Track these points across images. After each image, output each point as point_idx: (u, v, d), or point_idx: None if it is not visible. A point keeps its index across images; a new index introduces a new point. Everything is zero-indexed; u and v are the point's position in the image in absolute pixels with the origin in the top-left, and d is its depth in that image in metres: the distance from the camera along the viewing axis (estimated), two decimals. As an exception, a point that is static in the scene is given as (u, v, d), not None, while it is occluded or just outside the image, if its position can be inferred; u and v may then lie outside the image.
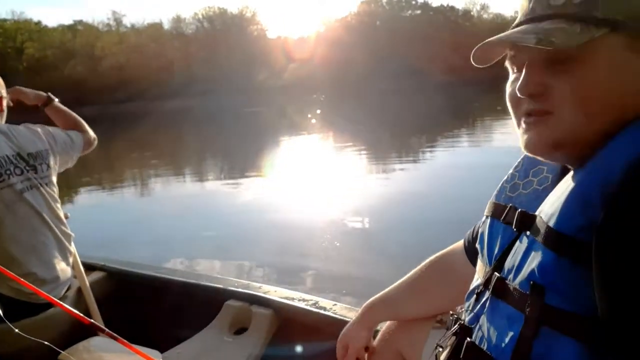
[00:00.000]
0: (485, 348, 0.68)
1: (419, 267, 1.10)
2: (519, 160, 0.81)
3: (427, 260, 1.09)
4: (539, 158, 0.70)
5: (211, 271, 4.18)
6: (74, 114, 2.09)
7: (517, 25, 0.68)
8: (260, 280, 3.59)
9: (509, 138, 11.05)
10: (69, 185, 8.60)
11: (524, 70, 0.65)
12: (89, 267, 2.11)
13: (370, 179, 8.10)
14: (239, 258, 4.54)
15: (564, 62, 0.62)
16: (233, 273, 4.12)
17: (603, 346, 0.54)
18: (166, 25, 64.56)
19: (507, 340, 0.64)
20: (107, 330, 1.14)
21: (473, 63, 0.73)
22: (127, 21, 65.37)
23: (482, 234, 0.81)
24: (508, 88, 0.70)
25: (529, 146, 0.67)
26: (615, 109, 0.61)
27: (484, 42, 0.67)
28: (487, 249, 0.78)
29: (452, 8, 67.79)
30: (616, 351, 0.53)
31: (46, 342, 1.02)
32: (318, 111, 24.66)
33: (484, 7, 71.56)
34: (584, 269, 0.56)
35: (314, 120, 19.43)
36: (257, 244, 4.93)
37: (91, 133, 2.10)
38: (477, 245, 0.84)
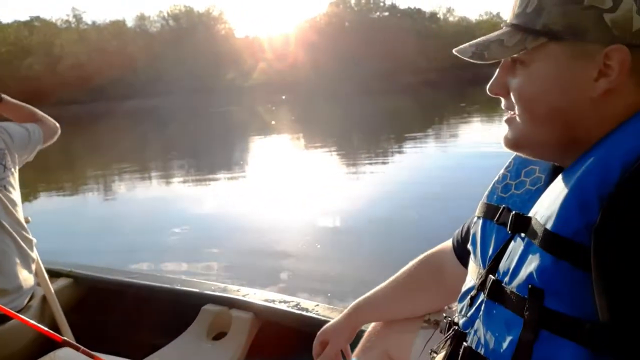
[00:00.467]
0: (482, 353, 0.67)
1: (406, 267, 1.09)
2: (509, 160, 0.81)
3: (415, 260, 1.08)
4: (521, 155, 0.73)
5: (181, 275, 4.07)
6: (29, 106, 1.94)
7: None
8: (235, 283, 3.51)
9: (474, 139, 11.33)
10: (28, 188, 8.25)
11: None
12: (54, 274, 1.99)
13: (338, 179, 8.09)
14: (210, 260, 4.43)
15: (516, 67, 0.67)
16: (204, 277, 4.01)
17: (603, 349, 0.54)
18: (130, 23, 63.11)
19: (505, 345, 0.62)
20: (73, 342, 1.07)
21: (470, 60, 0.73)
22: (87, 18, 63.12)
23: (475, 235, 0.80)
24: None
25: (503, 141, 0.72)
26: (561, 113, 0.63)
27: (455, 50, 0.73)
28: (481, 250, 0.76)
29: (419, 11, 68.98)
30: (617, 354, 0.53)
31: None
32: (273, 108, 24.62)
33: (449, 10, 72.67)
34: (582, 272, 0.55)
35: (273, 122, 19.32)
36: (227, 245, 4.83)
37: (51, 122, 1.95)
38: (470, 247, 0.82)
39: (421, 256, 1.07)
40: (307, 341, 1.54)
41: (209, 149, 13.17)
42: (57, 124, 1.99)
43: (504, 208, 0.73)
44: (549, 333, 0.58)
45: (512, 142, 0.70)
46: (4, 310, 1.13)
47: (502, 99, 0.71)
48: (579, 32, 0.60)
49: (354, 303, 1.12)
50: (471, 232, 0.82)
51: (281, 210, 6.04)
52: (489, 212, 0.76)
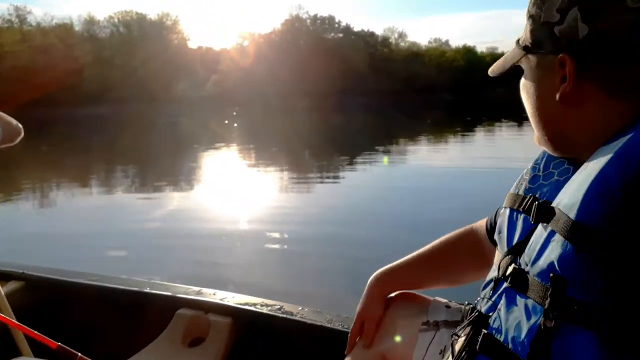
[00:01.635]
0: (501, 339, 0.67)
1: (443, 238, 1.09)
2: (539, 154, 0.83)
3: (454, 232, 1.08)
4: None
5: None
6: None
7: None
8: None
9: (421, 158, 11.69)
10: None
11: None
12: (5, 277, 1.83)
13: (287, 194, 8.13)
14: (151, 273, 4.25)
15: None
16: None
17: (623, 339, 0.55)
18: (77, 27, 60.63)
19: (525, 332, 0.63)
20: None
21: (490, 75, 0.84)
22: (32, 19, 59.78)
23: (501, 224, 0.81)
24: None
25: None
26: (546, 117, 0.72)
27: (491, 71, 0.84)
28: (507, 239, 0.77)
29: (372, 34, 70.85)
30: (637, 344, 0.53)
31: None
32: (226, 121, 24.43)
33: (401, 35, 75.02)
34: (604, 261, 0.55)
35: (224, 135, 19.11)
36: (170, 258, 4.66)
37: (12, 122, 1.75)
38: (496, 237, 0.83)
39: (460, 229, 1.07)
40: (293, 347, 1.48)
41: (157, 161, 12.76)
42: (20, 125, 1.81)
43: (530, 197, 0.74)
44: (569, 321, 0.58)
45: (539, 142, 0.77)
46: None
47: None
48: (539, 45, 0.70)
49: (372, 277, 1.11)
50: (498, 222, 0.84)
51: (226, 224, 5.92)
52: (516, 202, 0.78)
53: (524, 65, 0.74)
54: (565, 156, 0.74)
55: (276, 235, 5.41)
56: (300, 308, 1.55)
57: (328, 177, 9.70)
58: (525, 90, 0.74)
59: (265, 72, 53.61)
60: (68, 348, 0.93)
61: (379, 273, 1.11)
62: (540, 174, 0.78)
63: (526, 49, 0.72)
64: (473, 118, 25.20)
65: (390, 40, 72.51)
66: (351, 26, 69.56)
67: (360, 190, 7.90)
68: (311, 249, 4.80)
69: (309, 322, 1.47)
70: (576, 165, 0.73)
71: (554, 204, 0.66)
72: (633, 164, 0.55)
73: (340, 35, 68.12)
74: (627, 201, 0.54)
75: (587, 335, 0.56)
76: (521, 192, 0.78)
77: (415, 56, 68.00)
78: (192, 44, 67.04)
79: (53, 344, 0.95)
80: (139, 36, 59.65)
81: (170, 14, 65.20)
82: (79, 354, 0.91)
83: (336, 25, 68.27)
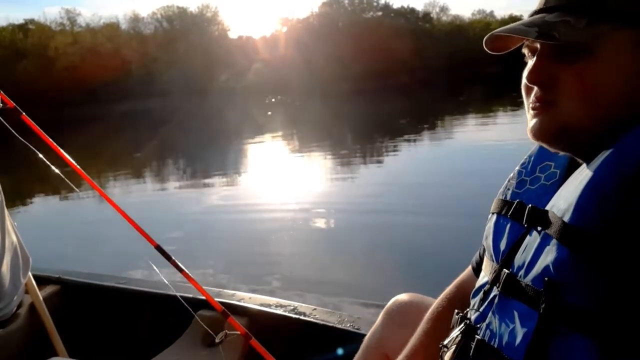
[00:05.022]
0: (495, 346, 0.66)
1: (430, 313, 0.96)
2: (525, 157, 0.81)
3: (436, 304, 0.97)
4: (544, 146, 0.70)
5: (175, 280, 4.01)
6: None
7: (532, 15, 0.69)
8: (229, 287, 3.47)
9: (472, 137, 11.33)
10: (14, 193, 8.17)
11: (534, 59, 0.68)
12: (42, 281, 1.95)
13: (332, 181, 8.09)
14: (204, 264, 4.39)
15: (573, 54, 0.63)
16: (199, 280, 3.96)
17: (619, 343, 0.54)
18: (123, 25, 62.75)
19: (520, 338, 0.62)
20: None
21: (488, 51, 0.74)
22: (81, 20, 62.49)
23: (488, 231, 0.79)
24: (523, 75, 0.71)
25: (532, 132, 0.68)
26: (622, 103, 0.62)
27: (491, 33, 0.69)
28: (494, 245, 0.76)
29: (413, 10, 69.01)
30: (633, 348, 0.53)
31: None
32: (269, 113, 24.61)
33: (443, 9, 72.68)
34: (600, 264, 0.55)
35: (267, 124, 19.27)
36: (220, 249, 4.80)
37: None
38: (483, 243, 0.82)
39: (441, 297, 0.97)
40: (306, 346, 1.51)
41: (204, 152, 13.10)
42: None
43: (518, 202, 0.73)
44: (564, 326, 0.57)
45: (554, 131, 0.66)
46: None
47: (527, 91, 0.70)
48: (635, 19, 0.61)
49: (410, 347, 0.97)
50: (485, 228, 0.82)
51: (275, 212, 6.02)
52: (503, 208, 0.77)
53: (601, 37, 0.62)
54: (577, 153, 0.69)
55: (321, 224, 5.42)
56: (313, 309, 1.58)
57: (371, 162, 9.61)
58: (611, 68, 0.62)
59: (304, 57, 53.52)
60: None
61: None
62: (527, 178, 0.77)
63: (623, 20, 0.61)
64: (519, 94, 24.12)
65: (431, 15, 70.50)
66: (390, 3, 68.25)
67: (405, 174, 7.76)
68: (357, 237, 4.78)
69: (321, 322, 1.50)
70: (563, 168, 0.72)
71: (548, 207, 0.65)
72: (628, 168, 0.55)
73: (380, 13, 66.79)
74: (623, 205, 0.54)
75: (584, 340, 0.56)
76: (508, 198, 0.77)
77: (459, 30, 65.74)
78: (232, 34, 67.89)
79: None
80: (181, 30, 60.99)
81: (210, 6, 66.21)
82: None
83: (374, 4, 67.04)
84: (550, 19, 0.63)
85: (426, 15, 69.68)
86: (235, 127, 19.72)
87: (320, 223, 5.46)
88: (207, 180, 9.01)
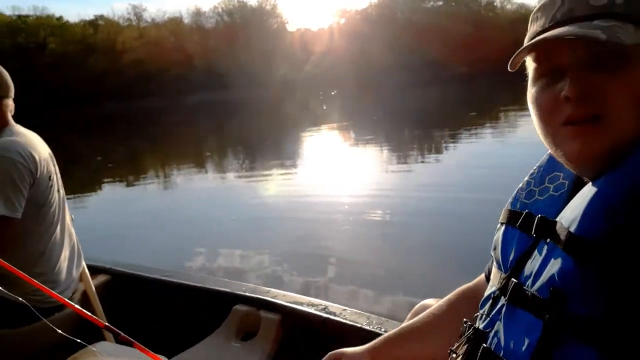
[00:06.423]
0: (501, 355, 0.66)
1: (442, 301, 1.00)
2: (534, 167, 0.80)
3: (451, 294, 1.00)
4: (588, 170, 0.64)
5: (228, 264, 4.19)
6: None
7: (550, 28, 0.64)
8: (270, 282, 3.58)
9: (532, 132, 10.82)
10: (76, 183, 8.71)
11: (568, 74, 0.62)
12: (95, 270, 2.09)
13: (388, 172, 8.02)
14: (258, 252, 4.49)
15: (616, 62, 0.60)
16: (248, 267, 4.08)
17: (623, 354, 0.54)
18: (186, 20, 65.04)
19: (525, 347, 0.62)
20: (114, 328, 1.10)
21: (511, 67, 0.69)
22: (147, 16, 65.58)
23: (497, 241, 0.79)
24: (535, 96, 0.67)
25: (578, 157, 0.63)
26: None
27: (543, 36, 0.61)
28: (502, 255, 0.76)
29: (475, -2, 66.60)
30: (638, 359, 0.53)
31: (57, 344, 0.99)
32: (324, 107, 24.65)
33: (507, -3, 69.69)
34: (606, 275, 0.55)
35: (325, 117, 19.34)
36: (276, 238, 4.91)
37: None
38: (492, 252, 0.82)
39: (457, 290, 1.00)
40: (334, 345, 1.53)
41: (262, 145, 13.38)
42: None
43: (526, 213, 0.73)
44: (569, 336, 0.57)
45: (606, 151, 0.60)
46: (60, 298, 1.17)
47: (566, 109, 0.62)
48: None
49: (381, 337, 1.03)
50: (494, 238, 0.81)
51: (329, 206, 6.06)
52: (512, 218, 0.76)
53: None
54: (583, 174, 0.67)
55: (376, 221, 5.36)
56: (343, 309, 1.59)
57: (429, 155, 9.43)
58: None
59: (362, 49, 53.12)
60: (114, 328, 1.07)
61: (387, 336, 1.02)
62: (536, 188, 0.76)
63: None
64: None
65: (495, 3, 67.75)
66: (451, -8, 66.04)
67: (463, 168, 7.54)
68: (411, 236, 4.71)
69: (349, 322, 1.52)
70: (572, 180, 0.71)
71: (557, 218, 0.64)
72: (637, 181, 0.56)
73: (440, 3, 65.04)
74: (629, 216, 0.54)
75: (588, 350, 0.56)
76: (517, 208, 0.77)
77: (525, 19, 62.59)
78: (291, 27, 68.48)
79: (101, 323, 1.09)
80: (241, 23, 62.31)
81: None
82: (122, 333, 1.04)
83: (435, -7, 65.28)
84: (603, 24, 0.58)
85: (489, 4, 67.04)
86: (295, 120, 19.95)
87: (375, 220, 5.39)
88: (266, 173, 9.12)
